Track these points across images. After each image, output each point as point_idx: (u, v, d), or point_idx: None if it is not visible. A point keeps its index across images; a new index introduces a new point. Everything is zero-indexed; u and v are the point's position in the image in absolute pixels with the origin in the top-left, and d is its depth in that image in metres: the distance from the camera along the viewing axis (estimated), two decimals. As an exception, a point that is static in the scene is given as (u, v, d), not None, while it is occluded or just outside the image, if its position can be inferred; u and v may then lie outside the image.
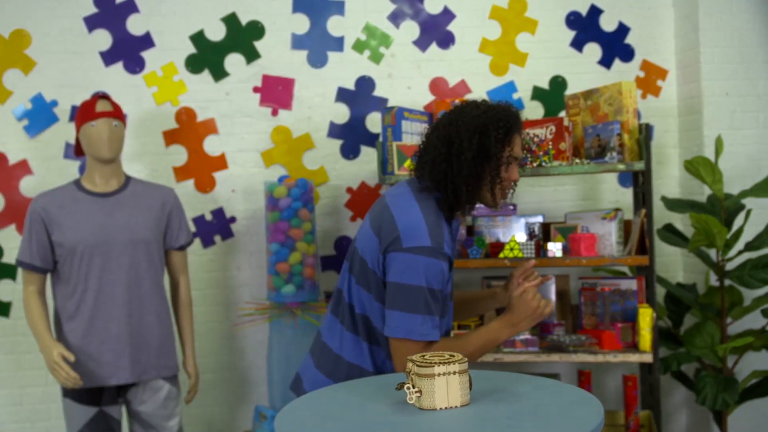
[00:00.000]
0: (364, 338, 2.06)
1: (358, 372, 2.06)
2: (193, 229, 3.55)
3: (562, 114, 3.63)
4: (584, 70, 3.73)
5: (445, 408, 1.45)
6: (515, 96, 3.71)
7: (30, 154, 3.46)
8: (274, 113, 3.61)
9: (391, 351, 1.98)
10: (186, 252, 3.00)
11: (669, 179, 3.77)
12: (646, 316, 3.03)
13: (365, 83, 3.65)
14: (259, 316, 3.36)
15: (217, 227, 3.59)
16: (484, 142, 2.00)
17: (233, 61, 3.59)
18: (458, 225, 2.26)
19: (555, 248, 3.14)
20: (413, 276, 1.93)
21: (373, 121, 3.66)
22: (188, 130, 3.56)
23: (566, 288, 3.40)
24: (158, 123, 3.54)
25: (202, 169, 3.57)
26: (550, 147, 3.19)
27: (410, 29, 3.68)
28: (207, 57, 3.57)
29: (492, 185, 2.06)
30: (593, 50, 3.75)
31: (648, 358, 3.03)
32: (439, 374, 1.45)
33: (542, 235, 3.32)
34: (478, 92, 3.69)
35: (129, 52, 3.52)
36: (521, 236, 3.29)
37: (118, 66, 3.52)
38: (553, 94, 3.72)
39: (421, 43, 3.69)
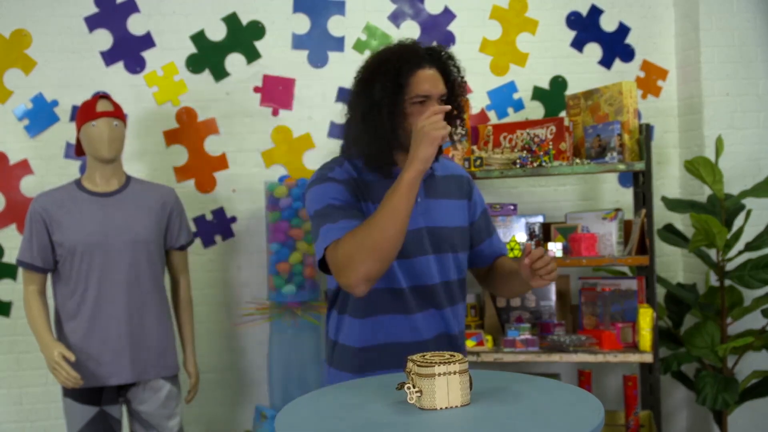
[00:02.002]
0: (336, 309, 2.10)
1: (340, 348, 2.07)
2: (193, 228, 3.55)
3: (563, 114, 3.63)
4: (584, 70, 3.73)
5: (446, 408, 1.46)
6: (516, 96, 3.72)
7: (30, 154, 3.47)
8: (275, 113, 3.61)
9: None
10: (186, 252, 3.00)
11: (669, 179, 3.77)
12: (646, 316, 3.03)
13: (366, 83, 3.65)
14: (260, 316, 3.36)
15: (217, 227, 3.59)
16: (370, 92, 1.93)
17: (234, 61, 3.59)
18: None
19: (555, 248, 3.14)
20: (310, 207, 1.98)
21: (374, 121, 3.65)
22: (189, 129, 3.56)
23: (566, 288, 3.40)
24: (159, 123, 3.54)
25: (203, 169, 3.58)
26: (551, 147, 3.19)
27: (411, 29, 3.68)
28: (207, 57, 3.57)
29: (402, 131, 1.93)
30: (593, 50, 3.76)
31: (648, 358, 3.04)
32: (439, 374, 1.45)
33: (542, 235, 3.32)
34: (479, 92, 3.69)
35: (129, 51, 3.52)
36: (521, 236, 3.29)
37: (119, 66, 3.52)
38: (553, 94, 3.72)
39: (422, 43, 3.68)
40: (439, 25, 3.69)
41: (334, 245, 1.88)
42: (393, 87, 1.92)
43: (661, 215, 3.62)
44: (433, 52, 2.00)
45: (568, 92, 3.70)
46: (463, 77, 2.06)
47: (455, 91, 2.03)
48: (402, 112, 1.94)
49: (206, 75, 3.58)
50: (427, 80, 1.95)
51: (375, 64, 1.99)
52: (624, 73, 3.74)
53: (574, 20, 3.75)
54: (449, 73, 2.02)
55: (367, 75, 1.98)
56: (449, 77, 2.02)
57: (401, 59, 1.94)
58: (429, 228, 2.02)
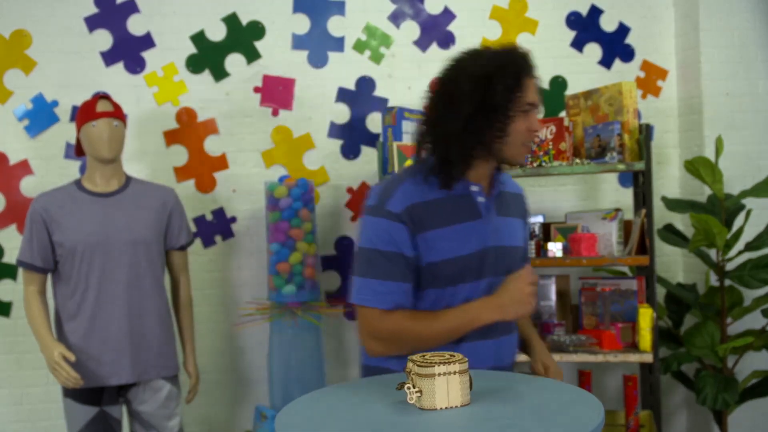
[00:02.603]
0: None
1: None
2: (193, 229, 3.55)
3: (563, 114, 3.63)
4: (584, 70, 3.73)
5: (446, 408, 1.46)
6: (515, 96, 3.71)
7: (31, 154, 3.47)
8: (275, 113, 3.61)
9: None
10: (186, 252, 3.00)
11: (669, 179, 3.77)
12: (646, 316, 3.03)
13: (366, 83, 3.65)
14: (260, 316, 3.36)
15: (217, 227, 3.59)
16: (489, 93, 1.80)
17: (234, 61, 3.59)
18: (478, 190, 1.91)
19: (555, 248, 3.14)
20: (362, 238, 1.84)
21: (374, 122, 3.66)
22: (189, 130, 3.56)
23: (566, 288, 3.40)
24: (159, 123, 3.54)
25: (203, 169, 3.58)
26: (551, 147, 3.19)
27: (411, 29, 3.68)
28: (207, 57, 3.57)
29: (506, 138, 1.84)
30: (593, 50, 3.76)
31: (648, 358, 3.04)
32: (439, 374, 1.45)
33: (542, 235, 3.32)
34: (479, 92, 3.69)
35: (129, 52, 3.53)
36: (521, 236, 3.29)
37: (119, 66, 3.52)
38: (553, 94, 3.72)
39: (422, 44, 3.69)
40: (439, 25, 3.69)
41: (379, 315, 1.82)
42: (514, 89, 1.83)
43: (661, 215, 3.62)
44: (533, 63, 1.93)
45: (568, 92, 3.70)
46: None
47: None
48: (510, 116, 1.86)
49: (206, 75, 3.58)
50: (535, 89, 1.89)
51: (492, 64, 1.84)
52: (624, 73, 3.74)
53: (574, 20, 3.75)
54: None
55: (482, 74, 1.82)
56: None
57: (519, 63, 1.86)
58: (498, 248, 1.92)
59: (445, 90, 1.87)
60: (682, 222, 3.70)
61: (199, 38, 3.57)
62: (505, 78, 1.82)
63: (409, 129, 3.27)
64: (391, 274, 1.81)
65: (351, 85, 3.65)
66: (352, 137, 3.66)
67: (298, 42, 3.63)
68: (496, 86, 1.80)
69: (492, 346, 1.90)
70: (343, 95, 3.64)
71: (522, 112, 1.85)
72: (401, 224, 1.81)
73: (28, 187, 3.46)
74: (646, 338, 3.03)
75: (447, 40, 3.69)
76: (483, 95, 1.80)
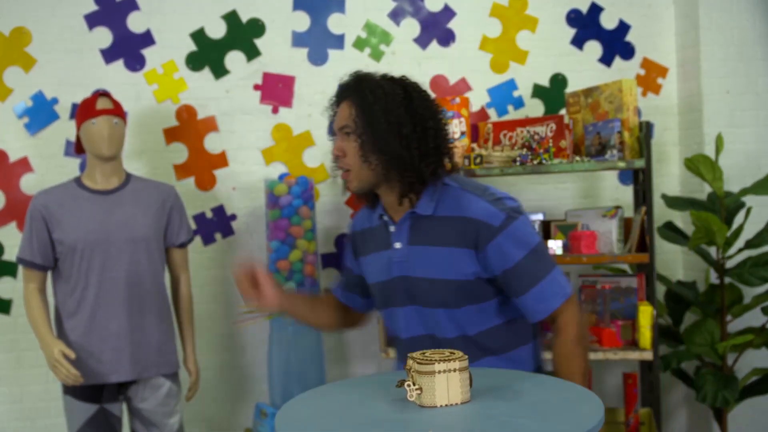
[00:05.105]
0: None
1: None
2: (193, 226, 3.55)
3: (563, 112, 3.63)
4: (585, 68, 3.73)
5: (446, 405, 1.46)
6: (516, 94, 3.72)
7: (30, 152, 3.46)
8: (275, 111, 3.61)
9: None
10: (186, 249, 3.00)
11: (669, 177, 3.77)
12: (646, 314, 3.03)
13: (366, 81, 3.65)
14: (260, 314, 3.35)
15: (217, 225, 3.59)
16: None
17: (234, 59, 3.59)
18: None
19: (555, 246, 3.14)
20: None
21: (374, 119, 3.65)
22: (189, 127, 3.56)
23: (566, 286, 3.40)
24: (158, 121, 3.54)
25: (203, 167, 3.58)
26: (551, 145, 3.19)
27: (411, 27, 3.68)
28: (207, 55, 3.57)
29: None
30: (594, 48, 3.76)
31: (648, 355, 3.04)
32: (439, 371, 1.45)
33: (543, 232, 3.32)
34: (479, 90, 3.69)
35: (129, 49, 3.52)
36: (521, 234, 3.28)
37: (119, 63, 3.52)
38: (553, 92, 3.72)
39: (422, 41, 3.69)
40: (439, 22, 3.69)
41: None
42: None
43: (661, 213, 3.62)
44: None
45: (568, 90, 3.70)
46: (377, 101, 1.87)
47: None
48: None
49: (206, 73, 3.58)
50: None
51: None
52: (624, 70, 3.74)
53: (574, 18, 3.74)
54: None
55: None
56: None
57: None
58: (403, 278, 1.90)
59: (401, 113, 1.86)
60: (682, 220, 3.70)
61: (199, 36, 3.57)
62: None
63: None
64: (348, 286, 2.21)
65: (351, 83, 3.64)
66: (352, 135, 3.65)
67: (298, 39, 3.63)
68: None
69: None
70: (343, 93, 3.63)
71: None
72: (349, 246, 2.15)
73: (28, 184, 3.46)
74: (645, 336, 3.03)
75: (447, 38, 3.69)
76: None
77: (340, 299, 2.21)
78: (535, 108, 3.72)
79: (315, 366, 3.29)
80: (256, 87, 3.60)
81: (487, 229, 1.81)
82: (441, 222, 1.86)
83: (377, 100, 1.84)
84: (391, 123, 1.83)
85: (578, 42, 3.75)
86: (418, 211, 1.88)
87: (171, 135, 3.56)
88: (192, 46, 3.56)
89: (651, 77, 3.76)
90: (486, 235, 1.81)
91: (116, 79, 3.51)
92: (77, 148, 2.86)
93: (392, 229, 1.92)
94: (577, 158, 3.16)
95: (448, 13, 3.69)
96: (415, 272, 1.87)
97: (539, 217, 3.34)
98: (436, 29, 3.69)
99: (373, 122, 1.83)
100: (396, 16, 3.67)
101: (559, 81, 3.73)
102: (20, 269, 3.28)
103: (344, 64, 3.63)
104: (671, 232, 3.49)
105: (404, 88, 1.89)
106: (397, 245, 1.90)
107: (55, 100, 3.47)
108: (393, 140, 1.82)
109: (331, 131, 1.97)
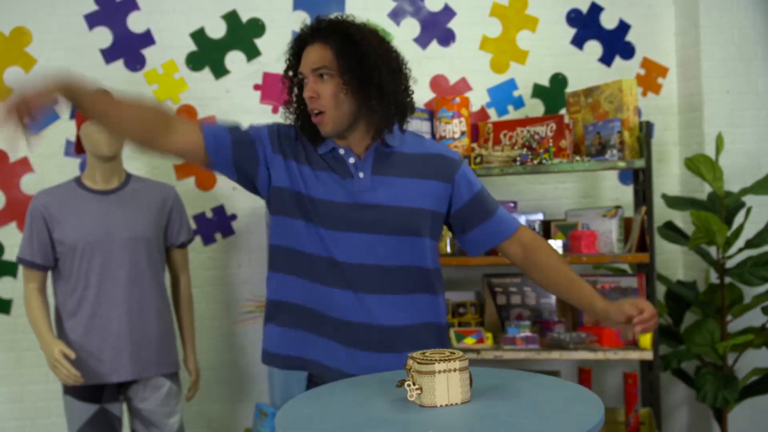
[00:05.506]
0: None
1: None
2: (193, 226, 3.55)
3: (563, 111, 3.63)
4: (585, 68, 3.73)
5: (446, 405, 1.46)
6: (516, 93, 3.72)
7: (30, 152, 3.46)
8: (275, 111, 3.61)
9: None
10: (187, 249, 3.00)
11: (669, 177, 3.77)
12: (646, 314, 3.03)
13: (366, 81, 3.65)
14: (260, 314, 3.36)
15: (217, 225, 3.59)
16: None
17: (234, 59, 3.59)
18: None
19: (555, 245, 3.14)
20: None
21: (374, 119, 3.65)
22: (189, 127, 3.56)
23: (566, 285, 3.40)
24: (159, 120, 3.54)
25: (203, 167, 3.57)
26: (551, 144, 3.19)
27: (411, 27, 3.68)
28: (207, 54, 3.57)
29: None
30: (594, 48, 3.75)
31: (648, 355, 3.04)
32: (439, 371, 1.45)
33: (543, 232, 3.32)
34: (479, 90, 3.69)
35: (129, 49, 3.52)
36: (521, 234, 3.28)
37: (119, 63, 3.52)
38: (553, 92, 3.72)
39: (422, 41, 3.69)
40: (439, 22, 3.69)
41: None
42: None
43: (661, 213, 3.62)
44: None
45: (569, 90, 3.70)
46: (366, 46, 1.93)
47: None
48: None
49: (206, 73, 3.58)
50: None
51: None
52: (624, 70, 3.74)
53: (574, 18, 3.74)
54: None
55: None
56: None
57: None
58: (372, 206, 1.92)
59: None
60: (682, 219, 3.70)
61: (199, 36, 3.57)
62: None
63: (409, 126, 3.27)
64: (233, 133, 2.01)
65: (351, 83, 3.64)
66: (352, 135, 3.65)
67: (298, 39, 3.63)
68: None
69: (354, 297, 1.92)
70: (343, 93, 3.63)
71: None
72: (270, 136, 2.02)
73: (28, 184, 3.46)
74: (646, 336, 3.03)
75: (447, 38, 3.69)
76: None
77: (202, 131, 1.93)
78: (535, 108, 3.72)
79: (315, 366, 3.29)
80: (257, 87, 3.60)
81: (453, 162, 2.03)
82: (407, 157, 2.00)
83: (363, 40, 1.92)
84: (377, 61, 1.91)
85: (578, 42, 3.75)
86: (390, 144, 1.97)
87: (171, 135, 3.55)
88: (192, 46, 3.56)
89: (651, 77, 3.76)
90: (454, 166, 2.03)
91: (116, 78, 3.50)
92: (77, 148, 2.86)
93: (352, 160, 1.95)
94: (577, 158, 3.16)
95: (448, 13, 3.69)
96: (379, 200, 1.94)
97: (539, 216, 3.34)
98: (436, 29, 3.69)
99: (360, 61, 1.89)
100: (396, 15, 3.67)
101: (559, 81, 3.73)
102: (20, 269, 3.28)
103: (344, 63, 3.62)
104: (671, 231, 3.49)
105: (375, 31, 2.01)
106: (361, 175, 1.94)
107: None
108: (378, 78, 1.90)
109: (293, 74, 1.97)
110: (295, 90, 1.99)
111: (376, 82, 1.89)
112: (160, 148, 1.90)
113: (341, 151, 1.96)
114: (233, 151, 1.96)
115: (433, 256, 2.02)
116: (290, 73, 1.98)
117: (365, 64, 1.88)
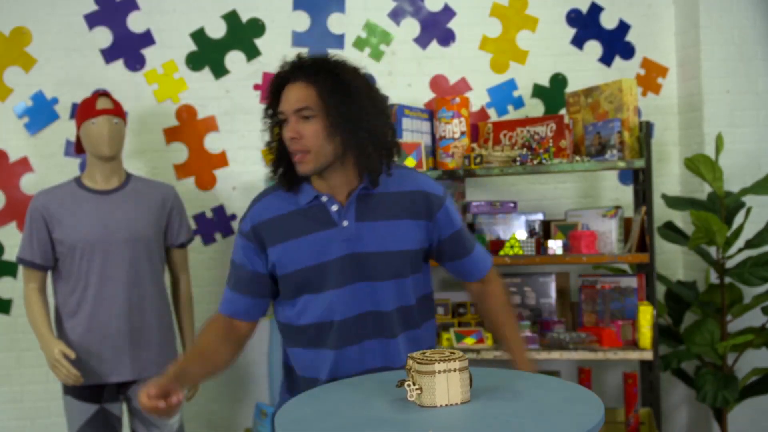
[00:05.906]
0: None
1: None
2: (193, 226, 3.55)
3: (563, 111, 3.63)
4: (585, 68, 3.73)
5: (446, 405, 1.46)
6: (516, 94, 3.71)
7: (30, 152, 3.46)
8: (275, 111, 3.61)
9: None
10: (187, 249, 3.00)
11: (669, 177, 3.77)
12: (646, 314, 3.03)
13: (366, 81, 3.65)
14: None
15: (217, 225, 3.59)
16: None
17: (234, 59, 3.59)
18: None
19: (555, 246, 3.14)
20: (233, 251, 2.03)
21: (374, 119, 3.65)
22: (189, 127, 3.56)
23: (566, 285, 3.41)
24: (159, 120, 3.54)
25: (203, 167, 3.58)
26: (551, 144, 3.19)
27: (411, 27, 3.68)
28: (207, 54, 3.57)
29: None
30: (594, 48, 3.75)
31: (648, 355, 3.04)
32: (439, 371, 1.45)
33: (542, 232, 3.32)
34: (479, 90, 3.69)
35: (129, 49, 3.52)
36: (522, 234, 3.29)
37: (119, 63, 3.52)
38: (553, 92, 3.72)
39: (422, 41, 3.69)
40: (438, 22, 3.69)
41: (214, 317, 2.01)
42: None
43: (661, 213, 3.62)
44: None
45: (568, 90, 3.70)
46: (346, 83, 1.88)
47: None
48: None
49: (206, 72, 3.58)
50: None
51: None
52: (624, 70, 3.74)
53: (574, 18, 3.74)
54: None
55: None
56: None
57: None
58: (354, 255, 1.88)
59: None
60: (682, 219, 3.70)
61: (199, 35, 3.57)
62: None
63: (409, 126, 3.28)
64: (234, 284, 1.98)
65: (351, 83, 3.64)
66: (352, 135, 3.65)
67: (298, 39, 3.63)
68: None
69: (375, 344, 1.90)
70: (343, 93, 3.63)
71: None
72: (249, 242, 1.94)
73: (28, 184, 3.46)
74: (646, 336, 3.03)
75: (447, 38, 3.69)
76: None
77: (225, 311, 2.01)
78: (535, 108, 3.72)
79: (315, 366, 3.29)
80: (256, 87, 3.60)
81: (436, 198, 1.97)
82: (389, 197, 1.92)
83: (350, 80, 1.88)
84: (364, 102, 1.85)
85: (578, 42, 3.75)
86: (374, 188, 1.91)
87: (171, 135, 3.56)
88: (192, 46, 3.56)
89: (651, 77, 3.76)
90: (436, 203, 1.96)
91: (116, 78, 3.51)
92: (77, 148, 2.86)
93: (334, 208, 1.89)
94: (577, 158, 3.16)
95: (448, 13, 3.69)
96: (367, 248, 1.88)
97: (539, 217, 3.34)
98: (436, 29, 3.69)
99: (347, 102, 1.84)
100: (396, 15, 3.67)
101: (559, 81, 3.73)
102: (20, 269, 3.28)
103: (344, 63, 3.62)
104: (671, 232, 3.49)
105: (358, 70, 1.95)
106: (345, 223, 1.89)
107: (55, 100, 3.47)
108: (367, 119, 1.85)
109: (272, 114, 1.91)
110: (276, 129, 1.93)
111: (365, 124, 1.84)
112: (233, 361, 2.08)
113: (324, 199, 1.90)
114: (251, 294, 1.98)
115: (416, 288, 1.97)
116: (270, 112, 1.92)
117: (353, 104, 1.83)
